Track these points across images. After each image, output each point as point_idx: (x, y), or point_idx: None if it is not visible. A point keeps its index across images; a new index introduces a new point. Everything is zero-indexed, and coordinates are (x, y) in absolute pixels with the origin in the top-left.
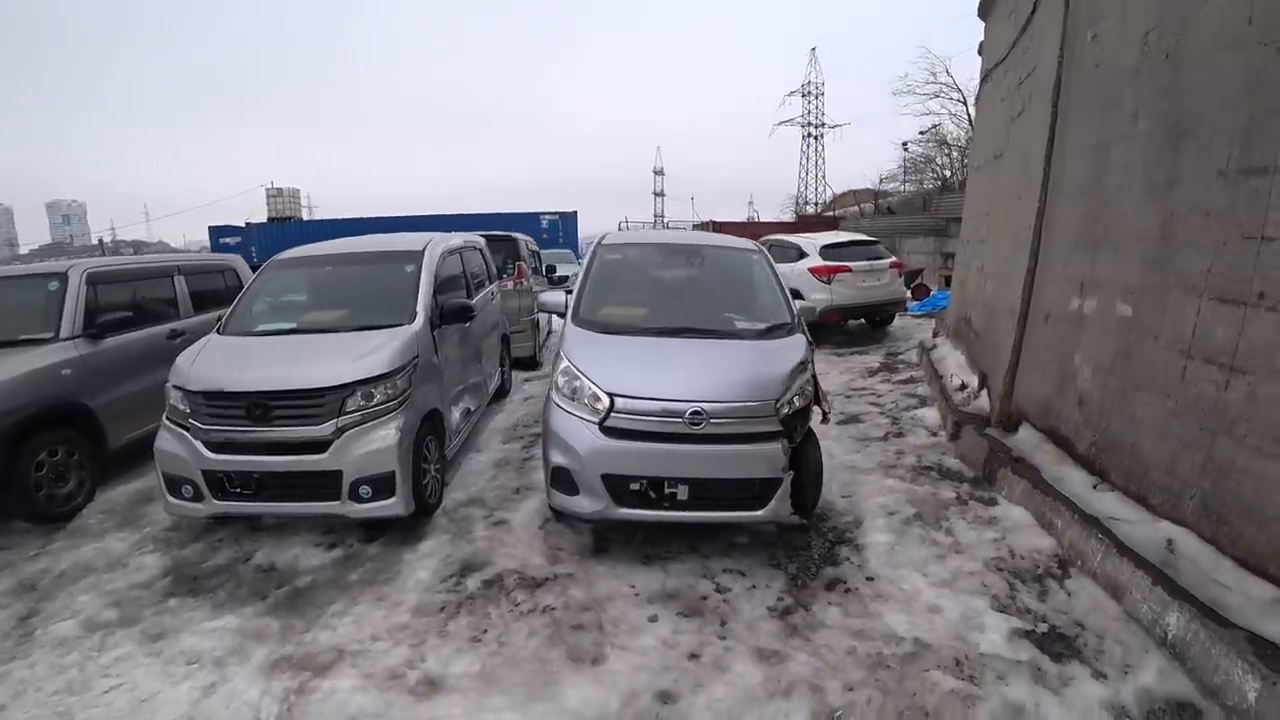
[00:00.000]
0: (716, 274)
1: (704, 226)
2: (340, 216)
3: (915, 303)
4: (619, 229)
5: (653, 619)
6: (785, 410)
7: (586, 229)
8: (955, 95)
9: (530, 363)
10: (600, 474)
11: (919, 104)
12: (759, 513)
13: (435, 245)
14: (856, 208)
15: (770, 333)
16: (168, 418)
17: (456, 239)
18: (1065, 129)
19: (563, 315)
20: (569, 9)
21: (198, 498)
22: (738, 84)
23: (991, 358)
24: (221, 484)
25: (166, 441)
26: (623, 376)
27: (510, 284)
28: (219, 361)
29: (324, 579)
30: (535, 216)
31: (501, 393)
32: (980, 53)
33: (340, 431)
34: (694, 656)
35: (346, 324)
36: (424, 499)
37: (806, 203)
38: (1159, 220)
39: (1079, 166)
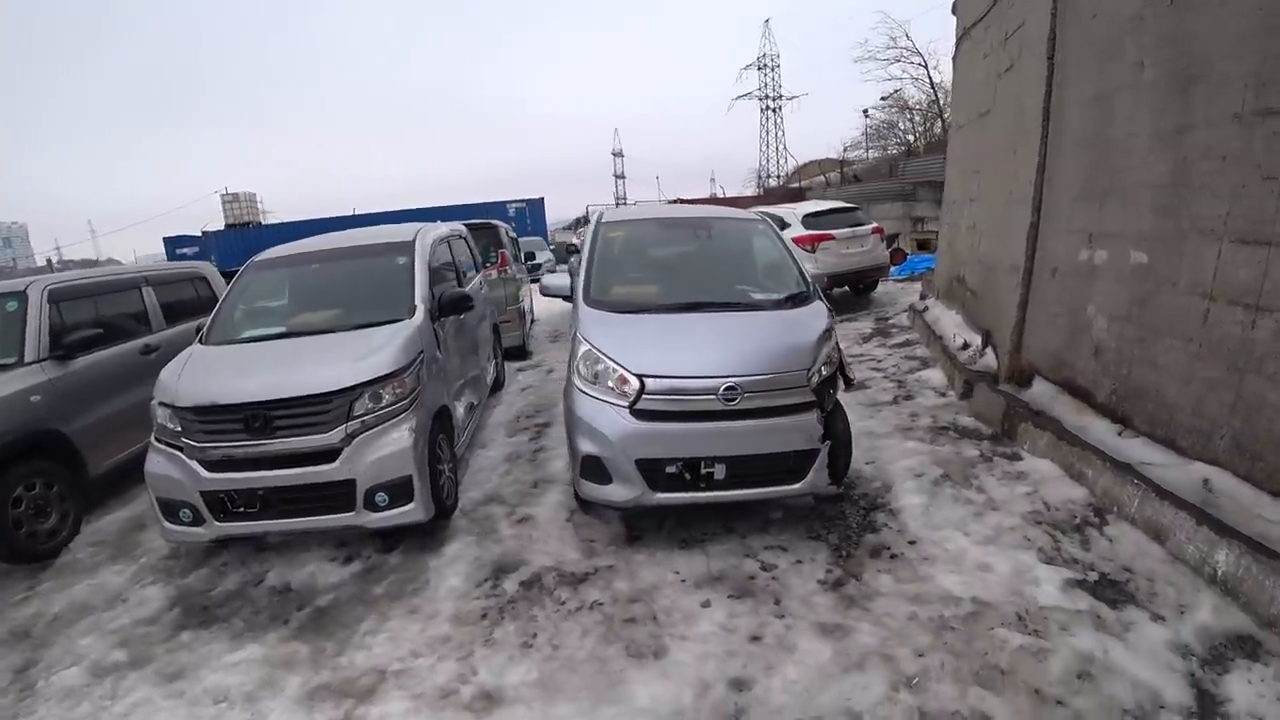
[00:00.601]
0: (723, 246)
1: (671, 205)
2: (302, 218)
3: (894, 267)
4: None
5: (705, 604)
6: (816, 379)
7: (552, 216)
8: (916, 60)
9: (520, 352)
10: (634, 459)
11: (880, 69)
12: (797, 485)
13: (425, 234)
14: (822, 177)
15: (789, 302)
16: (156, 438)
17: (443, 228)
18: (1063, 82)
19: (568, 298)
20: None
21: (198, 521)
22: (691, 63)
23: (994, 315)
24: (223, 504)
25: (157, 464)
26: (650, 357)
27: (494, 272)
28: (207, 373)
29: (347, 595)
30: (502, 205)
31: (497, 385)
32: (954, 12)
33: (350, 438)
34: (756, 639)
35: (341, 323)
36: (442, 501)
37: (769, 176)
38: (1170, 167)
39: (1080, 119)
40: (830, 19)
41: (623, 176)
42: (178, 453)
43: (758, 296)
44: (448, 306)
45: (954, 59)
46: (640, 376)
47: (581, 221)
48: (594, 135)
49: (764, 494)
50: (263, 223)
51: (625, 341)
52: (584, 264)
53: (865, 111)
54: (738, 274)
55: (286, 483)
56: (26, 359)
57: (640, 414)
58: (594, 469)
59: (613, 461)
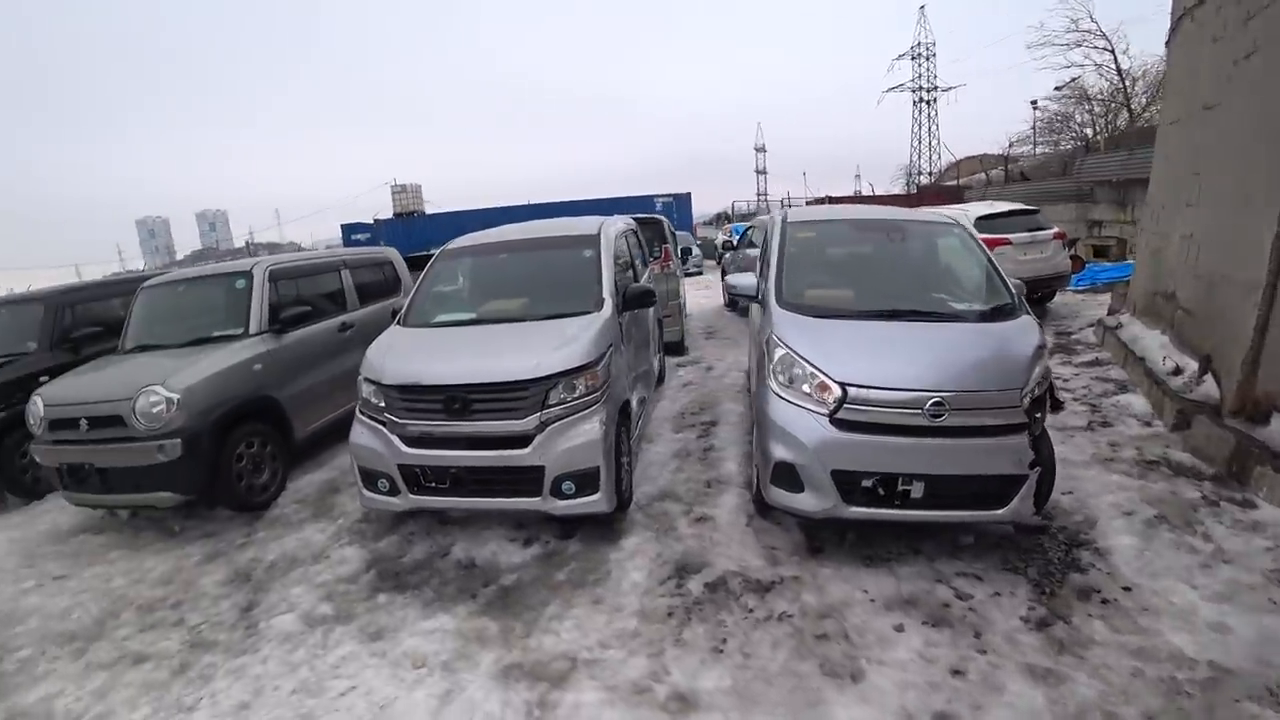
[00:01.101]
0: (918, 250)
1: (818, 203)
2: (461, 209)
3: (1073, 275)
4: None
5: (899, 628)
6: (1028, 400)
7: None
8: (1101, 44)
9: (678, 348)
10: (830, 470)
11: (1058, 55)
12: (999, 512)
13: (608, 228)
14: (982, 175)
15: (995, 315)
16: (361, 411)
17: (620, 222)
18: None
19: (753, 299)
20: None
21: (393, 492)
22: (838, 55)
23: (1216, 337)
24: (416, 478)
25: (361, 435)
26: (853, 364)
27: (657, 267)
28: (410, 354)
29: (529, 578)
30: (649, 199)
31: (659, 379)
32: None
33: (543, 425)
34: (958, 673)
35: (531, 313)
36: (621, 494)
37: (920, 172)
38: None
39: None
40: (989, 3)
41: (764, 172)
42: (381, 427)
43: (958, 306)
44: (631, 300)
45: (1168, 44)
46: (843, 384)
47: (723, 217)
48: (735, 129)
49: (963, 517)
50: (425, 212)
51: (825, 347)
52: (773, 264)
53: (1034, 103)
54: (934, 280)
55: (479, 464)
56: (251, 331)
57: (840, 423)
58: (786, 476)
59: (807, 470)
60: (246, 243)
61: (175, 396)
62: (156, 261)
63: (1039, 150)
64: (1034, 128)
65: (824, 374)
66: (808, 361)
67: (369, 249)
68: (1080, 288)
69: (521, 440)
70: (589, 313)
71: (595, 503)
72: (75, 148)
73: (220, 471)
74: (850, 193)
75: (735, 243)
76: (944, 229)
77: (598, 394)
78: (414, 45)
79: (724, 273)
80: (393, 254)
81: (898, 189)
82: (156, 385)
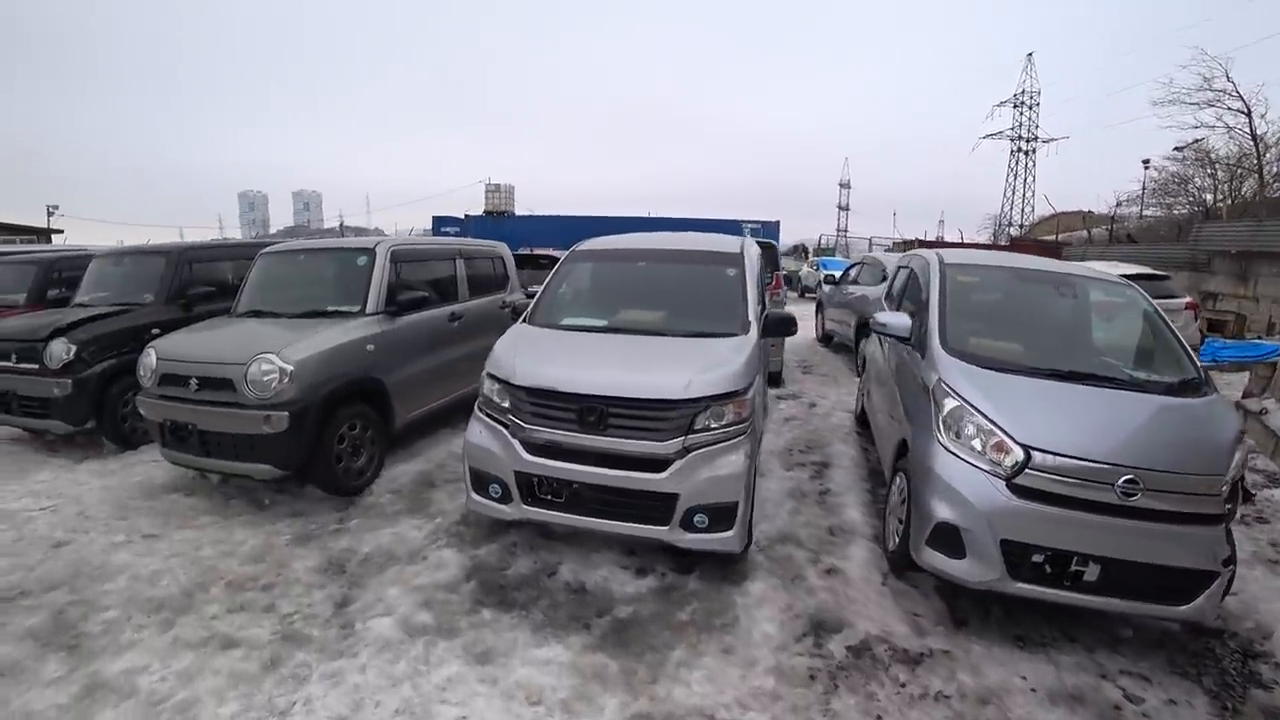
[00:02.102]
0: (1087, 309)
1: (905, 245)
2: (550, 214)
3: None
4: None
5: None
6: (1226, 489)
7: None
8: (1237, 105)
9: (776, 379)
10: (1000, 539)
11: (1185, 114)
12: (1182, 609)
13: (750, 247)
14: (1085, 232)
15: (1183, 390)
16: (482, 409)
17: (752, 243)
18: None
19: (904, 340)
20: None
21: (505, 499)
22: (933, 95)
23: None
24: (532, 488)
25: (478, 435)
26: (1039, 426)
27: (768, 294)
28: (544, 356)
29: (648, 613)
30: (737, 224)
31: (764, 411)
32: None
33: (685, 451)
34: None
35: (672, 327)
36: (750, 532)
37: (1010, 223)
38: None
39: None
40: (1100, 55)
41: (847, 208)
42: (501, 429)
43: (1138, 375)
44: (772, 327)
45: None
46: (1026, 447)
47: (800, 249)
48: (818, 163)
49: (1139, 609)
50: (515, 213)
51: (1004, 403)
52: (933, 306)
53: (1146, 162)
54: (1107, 343)
55: (606, 483)
56: (367, 310)
57: (1017, 489)
58: (947, 539)
59: (973, 535)
60: (340, 223)
61: (289, 368)
62: (252, 233)
63: (1149, 212)
64: (1143, 188)
65: (1005, 433)
66: (985, 416)
67: (482, 241)
68: (1203, 363)
69: (659, 464)
70: (734, 335)
71: (727, 540)
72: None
73: (321, 450)
74: (932, 237)
75: (837, 278)
76: (1117, 288)
77: (745, 424)
78: (522, 53)
79: (819, 307)
80: (503, 249)
81: (983, 238)
82: (271, 354)
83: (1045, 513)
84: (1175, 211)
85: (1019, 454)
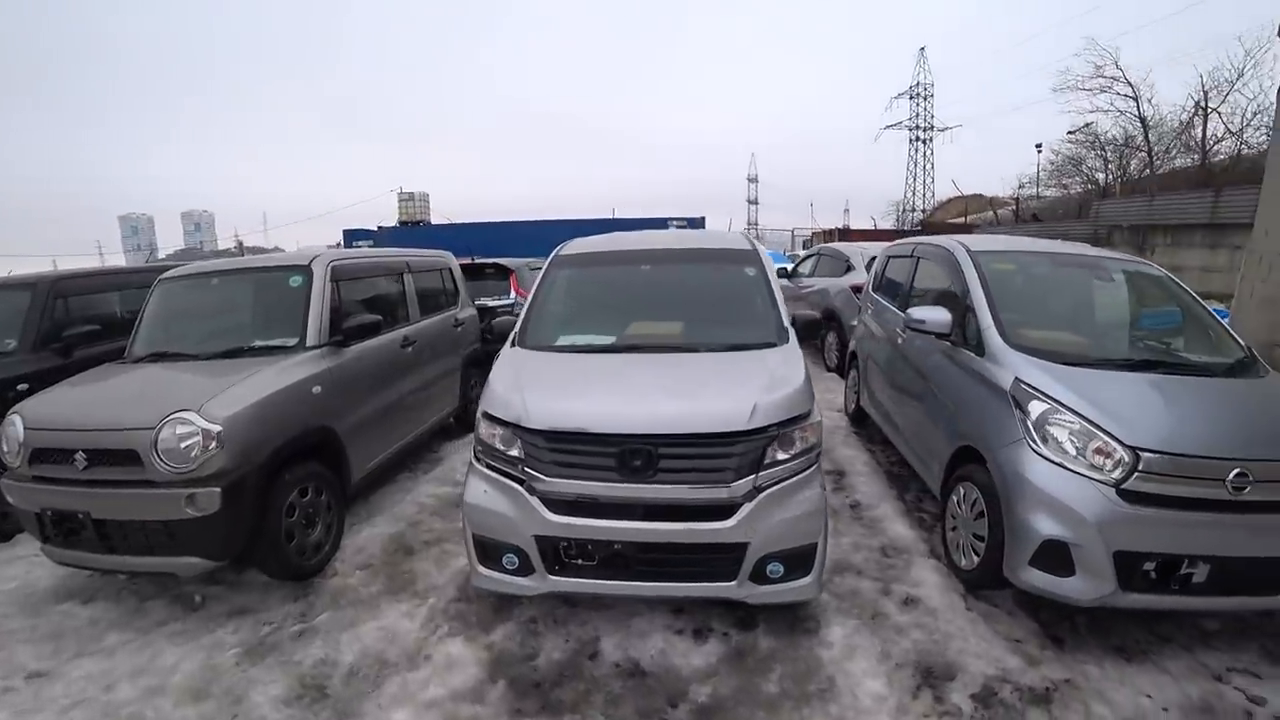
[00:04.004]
0: (1124, 293)
1: (828, 236)
2: (467, 221)
3: None
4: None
5: None
6: None
7: None
8: (1125, 91)
9: None
10: (1114, 551)
11: (1082, 100)
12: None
13: (760, 245)
14: (991, 214)
15: (1245, 370)
16: (482, 460)
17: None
18: None
19: (944, 336)
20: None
21: (524, 570)
22: (833, 90)
23: None
24: (558, 554)
25: (483, 494)
26: (1140, 424)
27: None
28: (561, 389)
29: (728, 690)
30: (664, 221)
31: None
32: None
33: (756, 492)
34: None
35: (697, 341)
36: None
37: (912, 209)
38: None
39: None
40: (988, 49)
41: (756, 202)
42: (514, 484)
43: (1194, 358)
44: (803, 331)
45: None
46: (1135, 449)
47: None
48: (727, 159)
49: (1248, 605)
50: (431, 222)
51: (1098, 401)
52: (979, 299)
53: (1039, 146)
54: (1154, 328)
55: (658, 539)
56: (309, 343)
57: (1129, 495)
58: (1054, 556)
59: (1084, 550)
60: (238, 243)
61: (215, 428)
62: (142, 260)
63: (1049, 192)
64: (1045, 170)
65: (1109, 435)
66: (1084, 418)
67: (429, 251)
68: None
69: (723, 510)
70: (774, 345)
71: (805, 589)
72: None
73: (267, 529)
74: (839, 226)
75: (789, 271)
76: (1145, 269)
77: (816, 451)
78: (426, 61)
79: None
80: (451, 259)
81: (887, 224)
82: (188, 411)
83: (1157, 517)
84: (1071, 191)
85: (1127, 457)
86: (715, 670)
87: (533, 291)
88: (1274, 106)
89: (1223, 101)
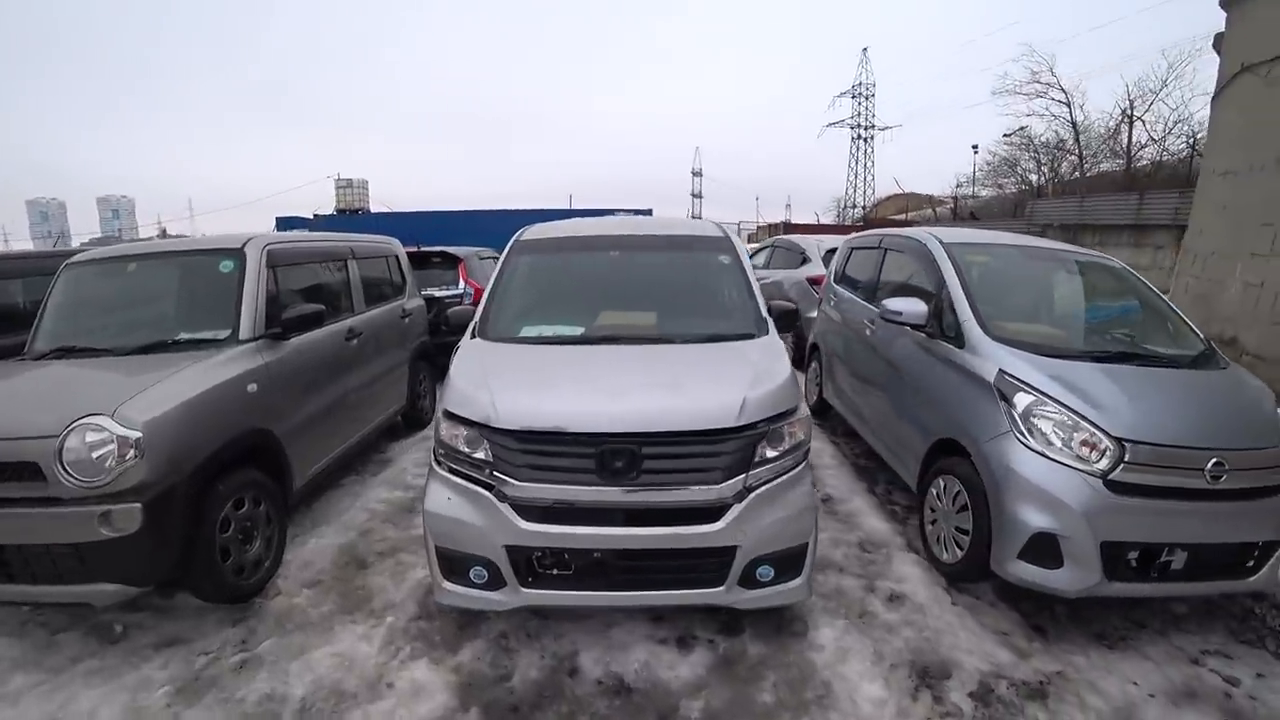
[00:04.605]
0: (1092, 285)
1: (773, 230)
2: (410, 210)
3: None
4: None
5: None
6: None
7: None
8: (1059, 96)
9: None
10: (1101, 541)
11: (1020, 104)
12: (1249, 580)
13: (730, 231)
14: (931, 211)
15: (1208, 362)
16: (444, 464)
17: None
18: None
19: (919, 328)
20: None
21: (494, 584)
22: (779, 86)
23: None
24: (532, 564)
25: (445, 502)
26: (1124, 416)
27: None
28: (533, 384)
29: (721, 703)
30: (613, 213)
31: None
32: (1218, 49)
33: (747, 491)
34: None
35: (672, 331)
36: None
37: (853, 205)
38: None
39: None
40: (928, 50)
41: (700, 196)
42: (481, 490)
43: (1162, 350)
44: (780, 321)
45: (1216, 100)
46: (1120, 440)
47: None
48: (671, 153)
49: (1218, 589)
50: (370, 210)
51: (1081, 392)
52: (955, 290)
53: (975, 147)
54: (1119, 319)
55: (642, 545)
56: (241, 336)
57: (1115, 486)
58: (1044, 549)
59: (1073, 542)
60: (161, 230)
61: (134, 434)
62: (51, 246)
63: (985, 192)
64: (983, 170)
65: (1095, 426)
66: (1070, 409)
67: (374, 236)
68: None
69: (711, 512)
70: (753, 336)
71: (795, 591)
72: None
73: (199, 547)
74: (783, 220)
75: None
76: (1107, 264)
77: (805, 448)
78: (362, 45)
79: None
80: (397, 246)
81: (828, 219)
82: (100, 416)
83: (1141, 506)
84: (1006, 191)
85: (1113, 448)
86: (705, 682)
87: (492, 279)
88: (1193, 117)
89: (1147, 110)
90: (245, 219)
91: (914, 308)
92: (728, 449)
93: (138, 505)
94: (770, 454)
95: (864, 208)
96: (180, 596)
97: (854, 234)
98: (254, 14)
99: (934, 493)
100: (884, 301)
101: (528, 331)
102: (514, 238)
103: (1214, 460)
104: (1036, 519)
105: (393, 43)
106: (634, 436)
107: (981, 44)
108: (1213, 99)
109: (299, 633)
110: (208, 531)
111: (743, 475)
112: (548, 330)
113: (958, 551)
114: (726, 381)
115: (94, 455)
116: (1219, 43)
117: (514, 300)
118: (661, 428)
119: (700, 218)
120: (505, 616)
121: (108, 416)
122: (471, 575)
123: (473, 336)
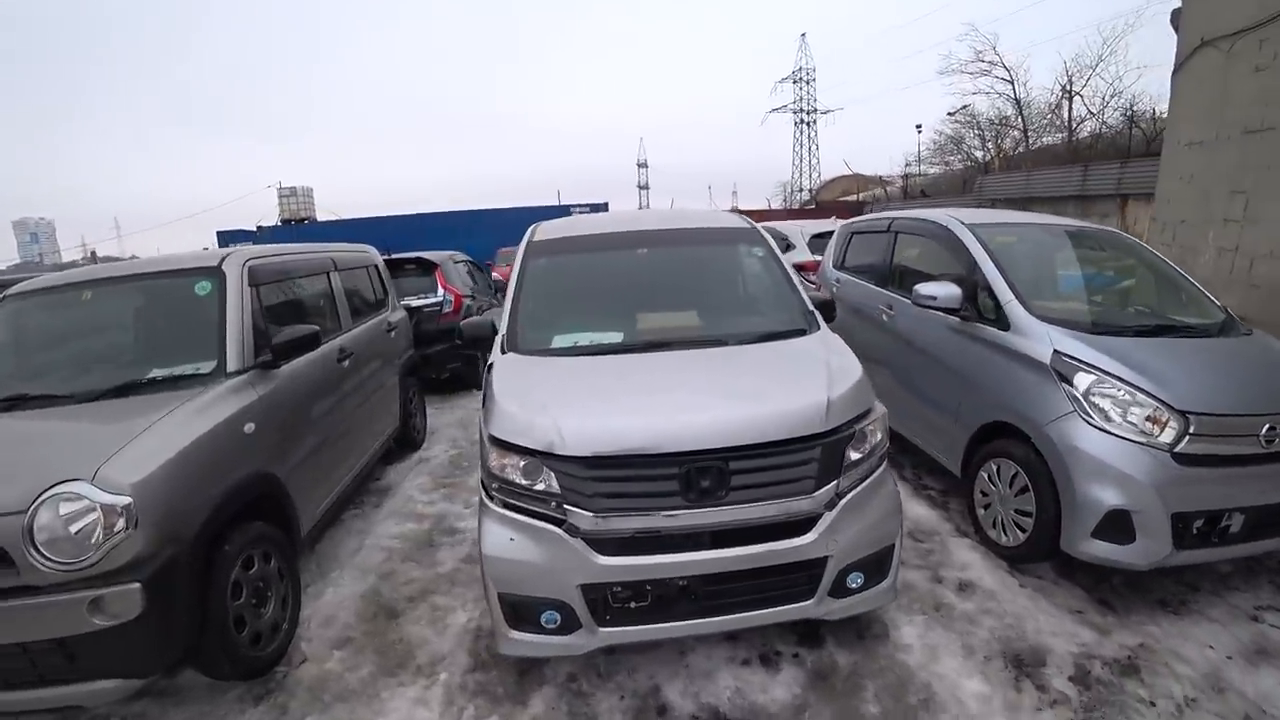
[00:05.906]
0: (1113, 261)
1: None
2: (358, 216)
3: None
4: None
5: None
6: None
7: None
8: (1002, 74)
9: None
10: (1171, 513)
11: (966, 82)
12: None
13: (754, 223)
14: (882, 190)
15: (1234, 329)
16: (498, 498)
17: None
18: None
19: (954, 311)
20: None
21: (568, 627)
22: (721, 76)
23: None
24: (608, 602)
25: (506, 544)
26: (1184, 388)
27: None
28: (593, 402)
29: None
30: (567, 209)
31: None
32: (1175, 24)
33: (838, 498)
34: None
35: (722, 332)
36: None
37: (799, 189)
38: None
39: None
40: (868, 34)
41: (646, 187)
42: (549, 526)
43: (1191, 320)
44: (821, 313)
45: (1176, 74)
46: (1184, 413)
47: None
48: (616, 145)
49: (1266, 547)
50: (317, 219)
51: (1141, 368)
52: (989, 272)
53: (919, 127)
54: (1146, 291)
55: (731, 566)
56: (230, 367)
57: (1182, 458)
58: (1118, 526)
59: (1145, 516)
60: (90, 253)
61: (121, 501)
62: None
63: (931, 170)
64: (929, 148)
65: (1160, 400)
66: (1135, 387)
67: (352, 245)
68: None
69: (801, 524)
70: (804, 331)
71: (884, 593)
72: None
73: (210, 621)
74: (727, 207)
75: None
76: (1116, 236)
77: (887, 446)
78: (298, 51)
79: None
80: (376, 255)
81: (775, 204)
82: (76, 482)
83: (1206, 475)
84: (953, 168)
85: (1178, 421)
86: (804, 701)
87: (512, 286)
88: (1127, 90)
89: (1084, 85)
90: (181, 236)
91: (948, 291)
92: (818, 456)
93: (136, 585)
94: (855, 456)
95: (810, 191)
96: (186, 674)
97: (852, 219)
98: (176, 21)
99: (985, 476)
100: (916, 287)
101: (560, 342)
102: (526, 239)
103: (1268, 425)
104: (1110, 497)
105: (329, 46)
106: (720, 452)
107: (924, 23)
108: (1173, 74)
109: (340, 705)
110: (218, 601)
111: (834, 482)
112: (583, 339)
113: (1019, 534)
114: (805, 384)
115: (73, 531)
116: (1176, 18)
117: (541, 308)
118: (749, 440)
119: (648, 208)
120: (569, 657)
121: (86, 482)
122: (543, 621)
123: (504, 351)
